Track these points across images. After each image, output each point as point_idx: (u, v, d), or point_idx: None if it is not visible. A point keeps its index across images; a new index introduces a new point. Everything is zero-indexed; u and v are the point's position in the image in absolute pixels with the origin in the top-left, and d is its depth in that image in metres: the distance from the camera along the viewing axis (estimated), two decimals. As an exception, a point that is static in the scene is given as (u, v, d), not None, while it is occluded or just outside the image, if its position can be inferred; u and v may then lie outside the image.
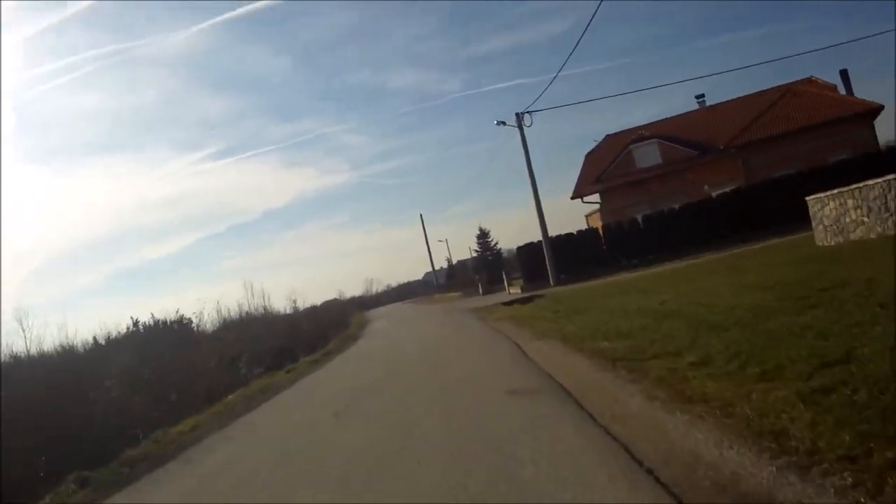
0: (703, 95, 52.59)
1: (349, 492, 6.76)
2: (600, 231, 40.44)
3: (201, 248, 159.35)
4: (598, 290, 25.70)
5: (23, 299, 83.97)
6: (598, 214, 48.70)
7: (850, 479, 4.03)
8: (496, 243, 75.70)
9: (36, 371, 21.59)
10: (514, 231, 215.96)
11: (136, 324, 34.54)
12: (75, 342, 27.57)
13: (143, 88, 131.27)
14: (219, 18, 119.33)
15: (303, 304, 64.53)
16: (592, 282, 33.13)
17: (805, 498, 4.07)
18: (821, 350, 6.91)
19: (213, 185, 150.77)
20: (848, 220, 18.75)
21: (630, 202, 44.54)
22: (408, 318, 43.07)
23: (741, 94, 50.50)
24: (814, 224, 21.01)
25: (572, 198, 46.55)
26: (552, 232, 38.62)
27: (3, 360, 22.57)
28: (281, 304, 51.98)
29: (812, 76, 47.03)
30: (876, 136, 41.17)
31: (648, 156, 46.06)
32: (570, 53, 56.99)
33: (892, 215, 16.99)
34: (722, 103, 50.84)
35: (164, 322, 36.13)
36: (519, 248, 42.68)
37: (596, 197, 46.82)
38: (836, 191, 19.27)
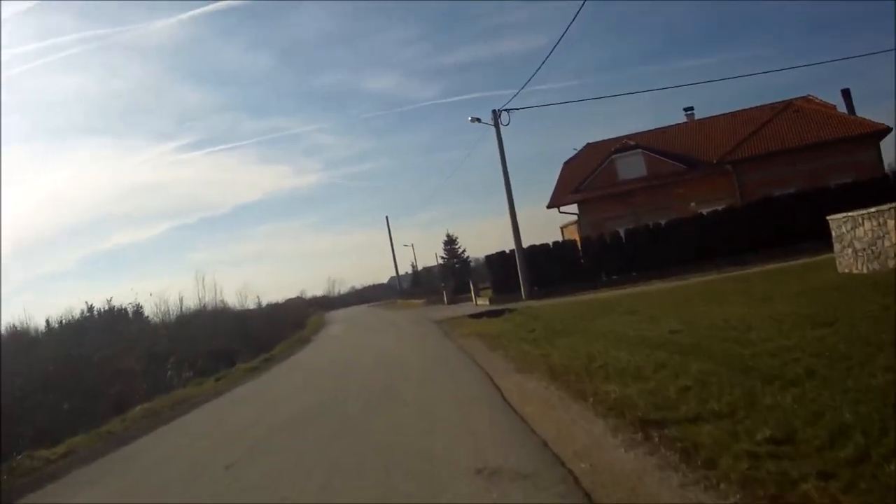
0: (691, 108, 49.80)
1: None
2: (578, 243, 37.19)
3: (172, 238, 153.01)
4: (579, 307, 22.56)
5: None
6: (575, 226, 45.52)
7: None
8: (464, 251, 72.69)
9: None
10: (482, 241, 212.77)
11: (90, 309, 32.14)
12: (28, 325, 25.03)
13: (123, 75, 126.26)
14: (200, 10, 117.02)
15: (264, 300, 61.81)
16: (569, 297, 29.98)
17: None
18: None
19: (187, 176, 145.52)
20: (888, 243, 15.65)
21: (610, 215, 41.42)
22: (366, 326, 39.25)
23: (732, 110, 47.99)
24: (838, 247, 17.93)
25: (548, 206, 43.30)
26: (525, 243, 35.42)
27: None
28: (239, 300, 47.99)
29: (809, 94, 44.33)
30: (882, 160, 38.47)
31: (632, 167, 42.97)
32: (553, 49, 53.20)
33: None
34: (712, 117, 48.01)
35: (120, 309, 33.94)
36: (488, 257, 38.99)
37: (574, 207, 43.66)
38: (873, 209, 16.19)
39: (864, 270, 16.46)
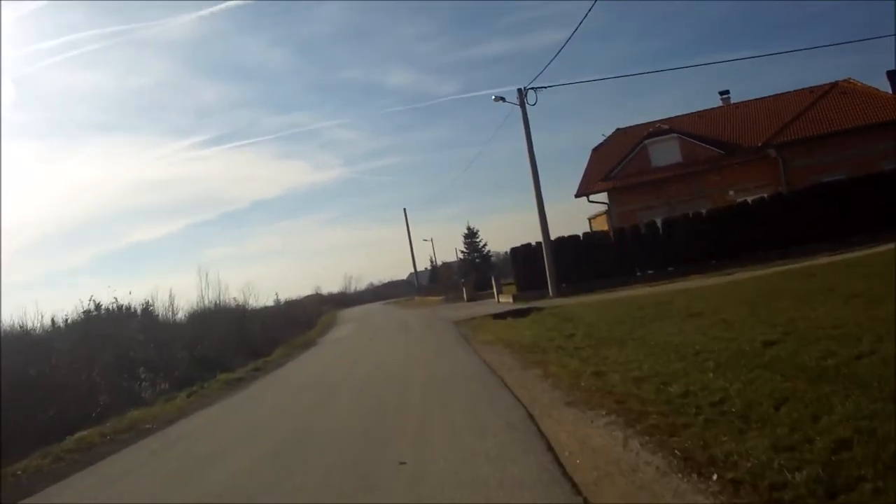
0: (727, 92, 46.62)
1: None
2: (611, 235, 34.01)
3: (191, 234, 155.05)
4: (620, 307, 19.54)
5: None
6: (604, 217, 42.51)
7: None
8: (485, 244, 69.77)
9: None
10: (504, 236, 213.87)
11: (97, 307, 29.03)
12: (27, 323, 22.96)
13: (140, 71, 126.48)
14: (219, 6, 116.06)
15: (283, 297, 59.61)
16: (602, 295, 26.99)
17: None
18: None
19: (206, 172, 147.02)
20: None
21: (642, 204, 38.32)
22: (377, 326, 36.00)
23: (768, 94, 44.73)
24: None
25: (577, 195, 40.12)
26: (551, 237, 32.36)
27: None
28: (243, 298, 45.00)
29: (849, 77, 40.87)
30: (936, 144, 35.06)
31: (666, 153, 39.80)
32: (578, 25, 50.15)
33: None
34: (749, 101, 44.80)
35: (127, 307, 30.92)
36: (513, 250, 35.59)
37: (603, 196, 40.62)
38: None
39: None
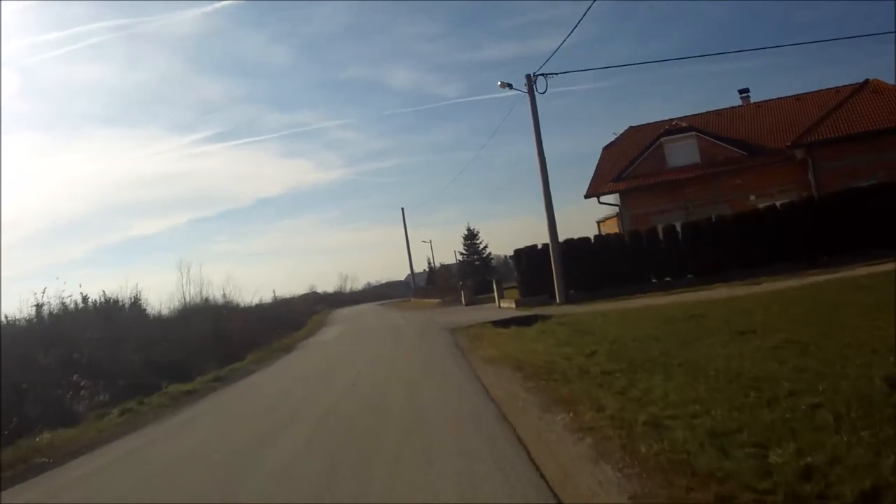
0: (747, 90, 43.82)
1: None
2: (625, 237, 31.14)
3: (193, 230, 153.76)
4: (641, 318, 16.83)
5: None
6: (614, 220, 39.78)
7: None
8: (485, 246, 66.89)
9: None
10: (505, 241, 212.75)
11: (84, 300, 26.72)
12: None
13: (143, 65, 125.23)
14: (223, 3, 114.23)
15: (282, 294, 57.11)
16: (616, 303, 24.27)
17: None
18: None
19: (209, 168, 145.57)
20: None
21: (657, 208, 35.54)
22: (364, 331, 32.87)
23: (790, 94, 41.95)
24: None
25: (586, 196, 37.19)
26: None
27: None
28: (235, 296, 42.14)
29: (874, 78, 37.96)
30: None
31: (684, 152, 36.99)
32: (584, 14, 47.46)
33: None
34: (771, 100, 41.92)
35: (115, 301, 28.71)
36: (517, 252, 32.57)
37: (614, 198, 37.87)
38: None
39: None
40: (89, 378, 16.49)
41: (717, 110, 42.12)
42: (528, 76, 28.26)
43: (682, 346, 10.98)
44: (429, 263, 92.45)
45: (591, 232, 39.73)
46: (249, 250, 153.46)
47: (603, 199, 37.39)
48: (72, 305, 24.44)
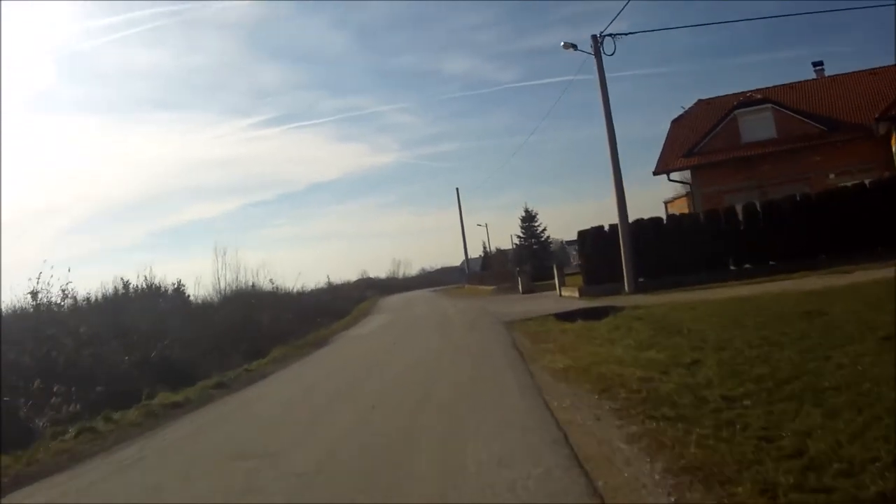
0: (821, 63, 40.33)
1: None
2: (702, 218, 28.09)
3: (248, 214, 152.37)
4: (740, 314, 14.19)
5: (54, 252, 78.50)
6: (683, 200, 36.93)
7: None
8: (544, 229, 63.80)
9: None
10: (563, 224, 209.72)
11: (125, 285, 27.13)
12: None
13: (199, 50, 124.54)
14: None
15: (336, 280, 55.39)
16: (695, 293, 21.64)
17: None
18: None
19: (264, 153, 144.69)
20: None
21: (729, 186, 32.56)
22: (411, 322, 29.90)
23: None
24: None
25: (655, 173, 34.26)
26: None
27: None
28: (257, 280, 39.86)
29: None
30: None
31: (759, 127, 33.85)
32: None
33: None
34: (849, 73, 38.53)
35: (157, 286, 28.96)
36: (581, 234, 29.52)
37: (685, 175, 35.03)
38: None
39: None
40: (65, 382, 13.97)
41: (790, 83, 38.84)
42: (593, 36, 25.64)
43: (820, 358, 8.46)
44: (484, 248, 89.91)
45: (657, 215, 36.99)
46: (305, 234, 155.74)
47: (673, 176, 34.56)
48: (81, 295, 22.79)
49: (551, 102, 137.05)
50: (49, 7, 77.08)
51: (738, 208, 26.95)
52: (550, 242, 63.42)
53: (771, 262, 25.44)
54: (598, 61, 25.81)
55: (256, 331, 26.29)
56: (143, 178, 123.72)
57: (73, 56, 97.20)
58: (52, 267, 19.91)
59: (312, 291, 56.61)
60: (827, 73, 39.27)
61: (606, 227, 28.12)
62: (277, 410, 12.40)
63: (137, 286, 27.95)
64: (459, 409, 9.45)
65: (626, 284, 26.10)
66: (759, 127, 33.99)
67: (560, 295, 31.34)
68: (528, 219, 61.27)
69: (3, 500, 8.12)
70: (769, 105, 34.20)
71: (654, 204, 36.88)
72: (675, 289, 23.71)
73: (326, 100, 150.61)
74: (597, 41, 25.59)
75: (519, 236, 63.83)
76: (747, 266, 25.95)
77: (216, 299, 32.96)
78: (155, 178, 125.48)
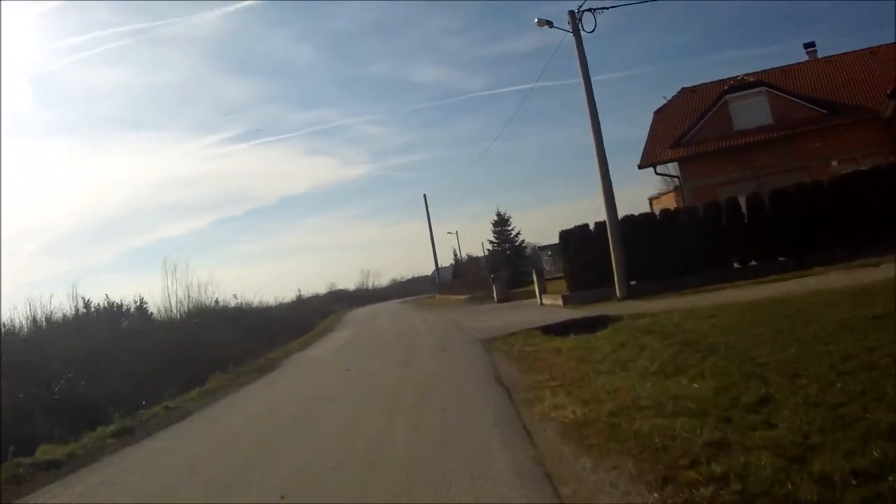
0: (813, 44, 37.58)
1: None
2: (700, 212, 24.86)
3: (218, 230, 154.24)
4: (778, 320, 11.00)
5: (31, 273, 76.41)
6: (670, 195, 33.92)
7: None
8: (518, 233, 60.51)
9: None
10: (537, 230, 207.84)
11: (86, 305, 26.36)
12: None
13: (165, 67, 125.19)
14: (245, 3, 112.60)
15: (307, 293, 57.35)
16: (698, 296, 18.56)
17: None
18: None
19: (233, 168, 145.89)
20: None
21: (723, 178, 29.68)
22: (373, 340, 26.22)
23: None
24: None
25: (640, 166, 31.17)
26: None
27: None
28: (200, 297, 36.53)
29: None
30: None
31: (753, 112, 31.06)
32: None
33: None
34: (842, 55, 35.83)
35: (119, 305, 28.10)
36: (563, 234, 26.16)
37: (673, 168, 32.08)
38: None
39: None
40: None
41: (782, 67, 36.02)
42: (571, 12, 22.47)
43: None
44: (455, 255, 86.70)
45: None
46: (276, 248, 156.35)
47: (660, 169, 31.54)
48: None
49: (519, 106, 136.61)
50: (14, 27, 74.82)
51: (742, 200, 23.80)
52: (525, 247, 60.17)
53: (780, 258, 22.43)
54: (576, 38, 22.60)
55: (205, 353, 22.97)
56: (112, 199, 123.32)
57: (40, 77, 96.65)
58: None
59: (277, 307, 54.53)
60: (819, 56, 36.71)
61: (592, 226, 24.88)
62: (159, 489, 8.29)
63: (99, 305, 27.08)
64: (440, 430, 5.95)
65: (616, 289, 22.86)
66: (752, 113, 31.22)
67: (541, 303, 28.01)
68: (501, 223, 57.95)
69: None
70: (763, 88, 31.44)
71: (638, 203, 34.57)
72: (674, 293, 20.56)
73: (294, 113, 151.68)
74: (574, 17, 22.41)
75: (492, 241, 60.54)
76: (753, 263, 22.88)
77: (164, 318, 30.00)
78: (123, 197, 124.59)
